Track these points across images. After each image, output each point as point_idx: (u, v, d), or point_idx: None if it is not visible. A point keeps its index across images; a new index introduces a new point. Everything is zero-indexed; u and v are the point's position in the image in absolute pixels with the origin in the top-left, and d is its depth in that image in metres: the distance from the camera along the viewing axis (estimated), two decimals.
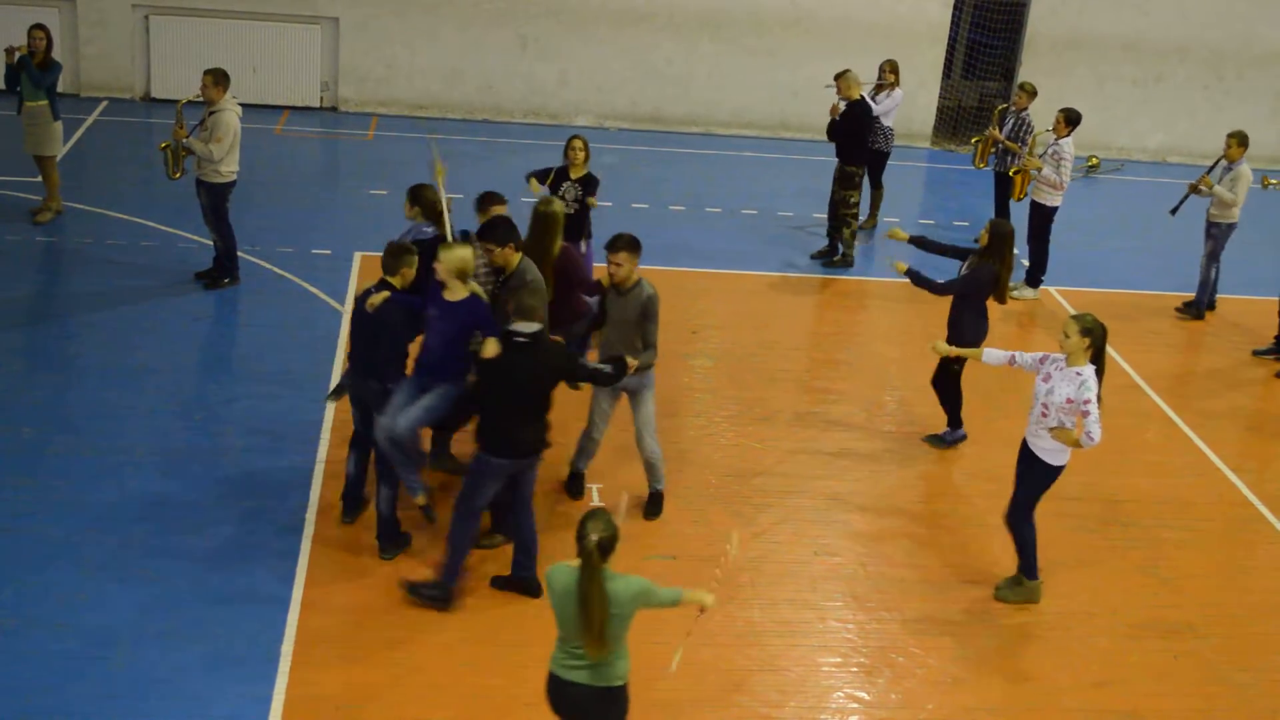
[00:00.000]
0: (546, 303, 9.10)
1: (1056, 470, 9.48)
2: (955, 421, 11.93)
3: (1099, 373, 9.21)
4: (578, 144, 12.74)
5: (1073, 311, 9.51)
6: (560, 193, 12.63)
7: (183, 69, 19.64)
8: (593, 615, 6.68)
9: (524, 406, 8.89)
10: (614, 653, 6.90)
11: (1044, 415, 9.31)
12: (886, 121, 16.69)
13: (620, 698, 7.03)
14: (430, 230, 10.39)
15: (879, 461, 11.68)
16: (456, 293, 9.22)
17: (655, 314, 9.81)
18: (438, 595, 9.14)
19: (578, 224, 12.66)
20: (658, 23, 20.93)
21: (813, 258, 16.23)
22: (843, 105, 15.81)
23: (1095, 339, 9.16)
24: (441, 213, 10.37)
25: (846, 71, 15.96)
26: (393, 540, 9.66)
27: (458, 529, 9.06)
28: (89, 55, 20.11)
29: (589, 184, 12.74)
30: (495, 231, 9.70)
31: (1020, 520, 9.68)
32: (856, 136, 15.74)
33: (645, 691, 8.54)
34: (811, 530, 10.59)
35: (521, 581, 9.35)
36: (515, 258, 9.71)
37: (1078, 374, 9.14)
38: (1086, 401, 9.06)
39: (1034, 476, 9.55)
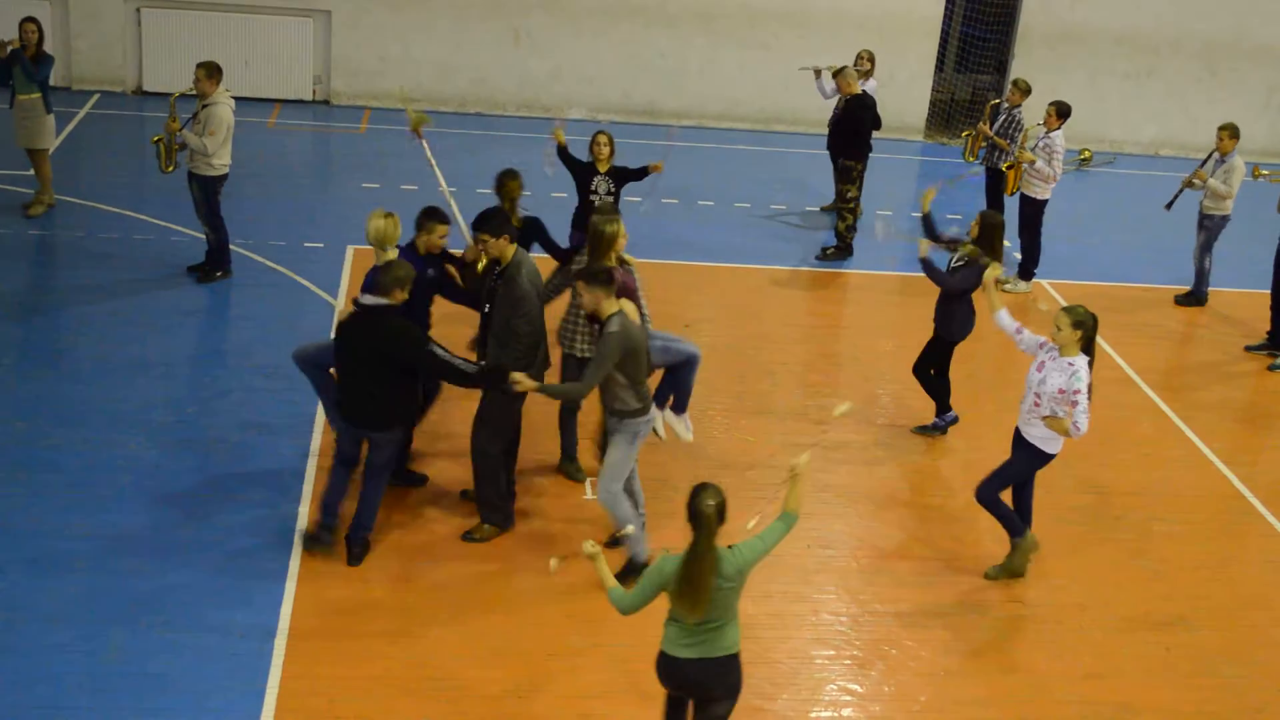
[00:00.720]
0: (405, 281, 9.10)
1: (1047, 457, 9.55)
2: (944, 407, 11.96)
3: (1089, 363, 9.30)
4: (602, 139, 12.82)
5: (1064, 304, 9.55)
6: (592, 187, 12.79)
7: (175, 62, 19.59)
8: (702, 579, 6.87)
9: (356, 375, 9.08)
10: (728, 620, 7.08)
11: (1036, 404, 9.39)
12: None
13: (736, 665, 7.18)
14: None
15: (872, 454, 11.69)
16: (379, 258, 9.86)
17: (604, 354, 9.05)
18: (317, 539, 9.50)
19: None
20: (650, 16, 20.92)
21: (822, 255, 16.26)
22: (841, 101, 15.86)
23: (1087, 330, 9.27)
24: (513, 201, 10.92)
25: (845, 68, 15.98)
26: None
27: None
28: (81, 48, 20.07)
29: (619, 176, 12.90)
30: (488, 222, 9.67)
31: (989, 494, 9.77)
32: (855, 131, 15.76)
33: (638, 683, 8.57)
34: (804, 523, 10.50)
35: (317, 540, 9.55)
36: (510, 249, 9.68)
37: (1070, 364, 9.22)
38: (1076, 392, 9.16)
39: (1021, 458, 9.60)
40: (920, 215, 12.26)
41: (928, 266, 11.49)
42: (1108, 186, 20.57)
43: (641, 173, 13.15)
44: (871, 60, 17.03)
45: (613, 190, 12.84)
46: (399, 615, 9.00)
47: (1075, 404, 9.16)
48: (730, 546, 7.08)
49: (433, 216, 10.07)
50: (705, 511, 6.93)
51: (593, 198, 12.82)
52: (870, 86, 16.77)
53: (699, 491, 7.02)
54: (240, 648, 8.54)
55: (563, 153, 13.04)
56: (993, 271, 10.55)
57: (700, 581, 6.88)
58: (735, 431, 11.87)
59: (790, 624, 9.37)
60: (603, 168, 12.86)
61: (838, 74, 15.94)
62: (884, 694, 8.78)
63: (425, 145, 10.88)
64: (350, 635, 8.76)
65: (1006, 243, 16.44)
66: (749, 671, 8.75)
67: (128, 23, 20.08)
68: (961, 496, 11.12)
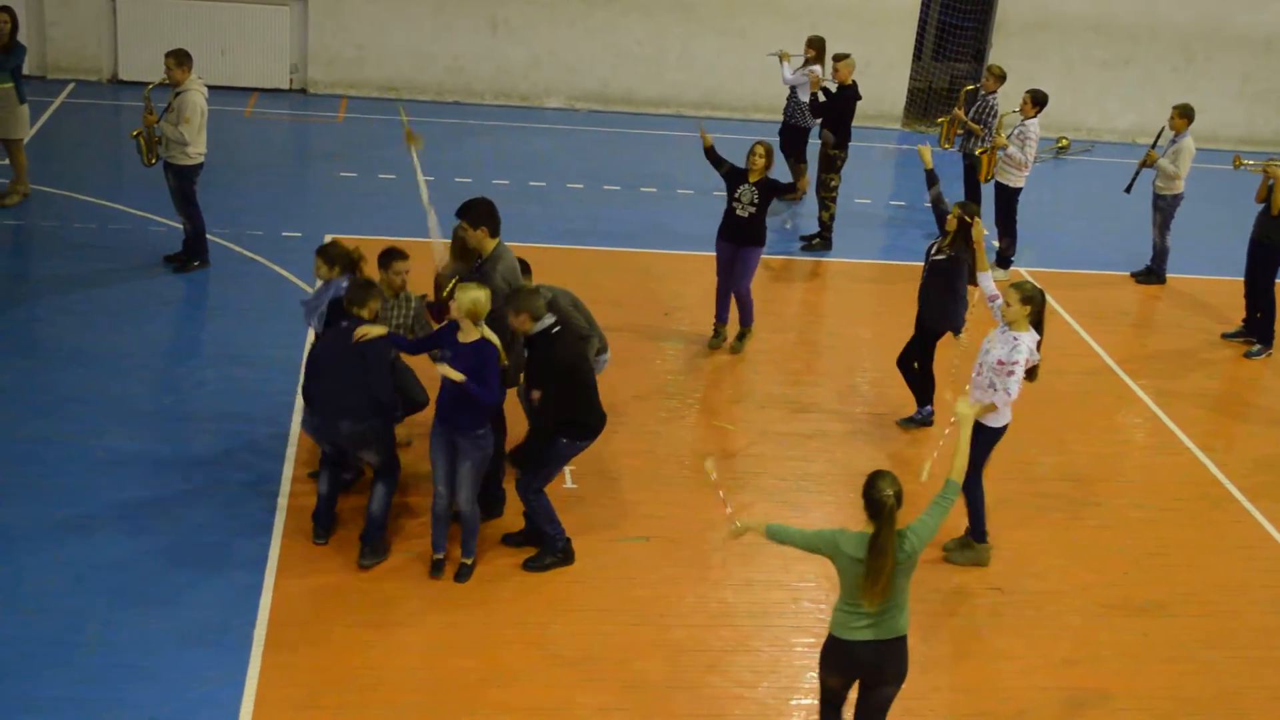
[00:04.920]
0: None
1: (996, 432, 9.72)
2: (926, 399, 11.96)
3: (1039, 342, 9.61)
4: (759, 150, 12.68)
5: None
6: (736, 195, 12.70)
7: (150, 50, 19.36)
8: (884, 566, 6.98)
9: None
10: (902, 603, 7.23)
11: (978, 375, 9.67)
12: (803, 96, 16.67)
13: (906, 647, 7.33)
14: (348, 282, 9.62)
15: (851, 443, 11.71)
16: (469, 334, 8.92)
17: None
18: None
19: (753, 228, 12.76)
20: (628, 4, 20.87)
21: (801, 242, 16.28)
22: (834, 86, 15.83)
23: (1035, 306, 9.55)
24: (357, 261, 9.82)
25: (848, 56, 15.93)
26: (374, 547, 9.43)
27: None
28: (55, 37, 19.94)
29: (765, 188, 12.66)
30: (469, 212, 9.57)
31: (970, 483, 9.79)
32: (842, 120, 15.75)
33: (618, 672, 8.59)
34: (784, 512, 10.60)
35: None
36: (490, 243, 9.62)
37: (1015, 338, 9.51)
38: (1014, 364, 9.45)
39: (977, 441, 9.67)
40: (925, 170, 12.25)
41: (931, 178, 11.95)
42: (1085, 174, 20.61)
43: (790, 187, 13.01)
44: (815, 47, 16.94)
45: (756, 201, 12.64)
46: (378, 605, 8.98)
47: (1011, 374, 9.45)
48: (904, 530, 7.16)
49: (393, 256, 9.87)
50: (885, 501, 6.99)
51: (734, 205, 12.72)
52: (817, 70, 16.67)
53: (875, 480, 7.08)
54: (220, 639, 8.52)
55: (710, 153, 12.97)
56: (978, 231, 10.67)
57: (884, 569, 6.98)
58: (714, 419, 11.88)
59: (771, 612, 9.38)
60: (754, 178, 12.67)
61: (839, 60, 15.88)
62: None
63: (415, 157, 10.77)
64: (330, 625, 8.75)
65: (985, 231, 16.57)
66: (729, 659, 8.82)
67: (103, 11, 19.94)
68: (938, 484, 11.11)
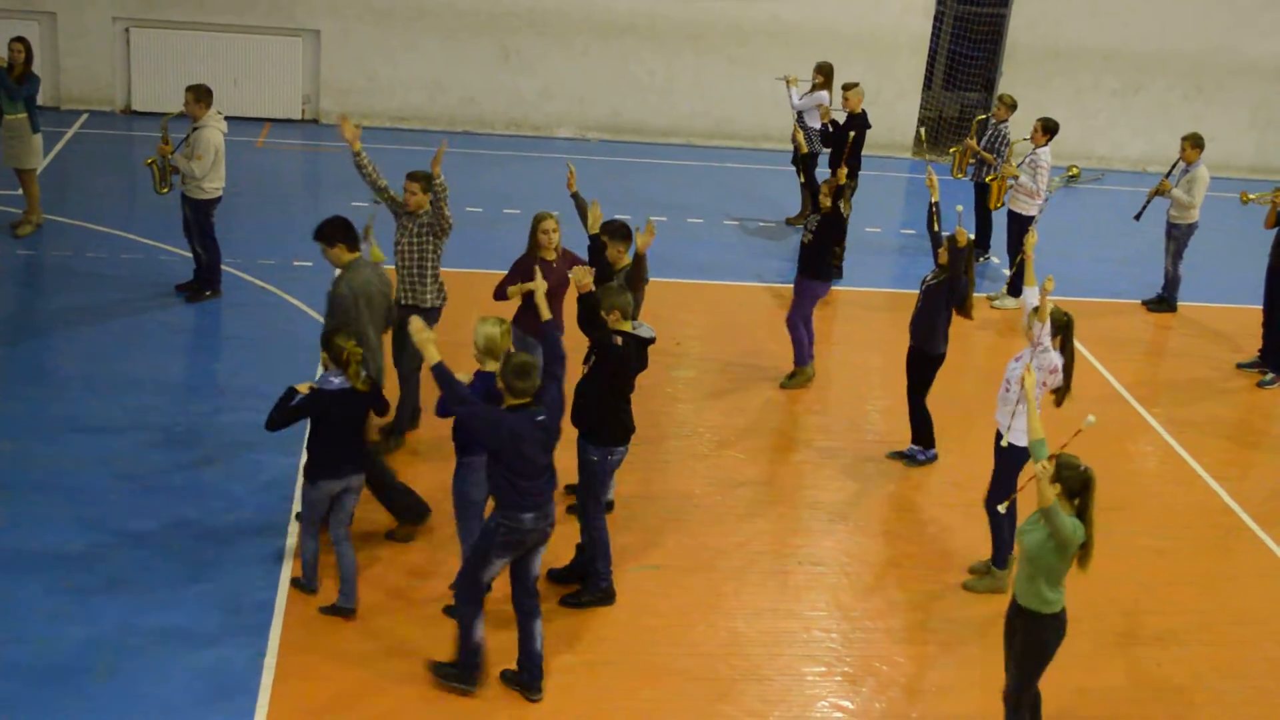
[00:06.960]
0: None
1: (1024, 452, 9.60)
2: (928, 441, 11.84)
3: (1069, 366, 9.60)
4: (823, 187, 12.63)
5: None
6: (806, 223, 12.86)
7: (163, 81, 19.64)
8: (1093, 531, 7.75)
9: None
10: None
11: (1006, 390, 9.65)
12: (811, 122, 16.68)
13: None
14: (338, 380, 8.98)
15: (861, 471, 11.69)
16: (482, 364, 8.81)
17: None
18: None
19: (807, 256, 12.75)
20: (640, 34, 20.96)
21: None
22: (843, 116, 15.86)
23: (1059, 329, 9.57)
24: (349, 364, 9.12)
25: (856, 85, 15.96)
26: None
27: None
28: (69, 68, 20.07)
29: (822, 220, 12.59)
30: (322, 233, 9.96)
31: (993, 507, 9.83)
32: (852, 149, 15.75)
33: (628, 701, 8.57)
34: (794, 540, 10.59)
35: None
36: (348, 257, 9.96)
37: (1043, 353, 9.51)
38: (1041, 369, 9.44)
39: (1004, 463, 9.72)
40: (931, 202, 11.74)
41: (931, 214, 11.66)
42: (1095, 203, 20.62)
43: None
44: (823, 74, 16.99)
45: (813, 229, 12.65)
46: (387, 635, 8.96)
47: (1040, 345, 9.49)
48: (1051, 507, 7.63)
49: (407, 178, 10.92)
50: (1088, 475, 7.66)
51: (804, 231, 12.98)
52: (822, 98, 16.69)
53: (1071, 464, 7.66)
54: (229, 667, 8.52)
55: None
56: (1031, 239, 10.46)
57: (1093, 529, 7.76)
58: (724, 449, 11.86)
59: (782, 641, 9.35)
60: (823, 207, 12.57)
61: (848, 89, 15.91)
62: (875, 710, 8.76)
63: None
64: (339, 655, 8.73)
65: (995, 259, 16.59)
66: (740, 688, 8.79)
67: (116, 42, 20.08)
68: (951, 513, 11.12)
